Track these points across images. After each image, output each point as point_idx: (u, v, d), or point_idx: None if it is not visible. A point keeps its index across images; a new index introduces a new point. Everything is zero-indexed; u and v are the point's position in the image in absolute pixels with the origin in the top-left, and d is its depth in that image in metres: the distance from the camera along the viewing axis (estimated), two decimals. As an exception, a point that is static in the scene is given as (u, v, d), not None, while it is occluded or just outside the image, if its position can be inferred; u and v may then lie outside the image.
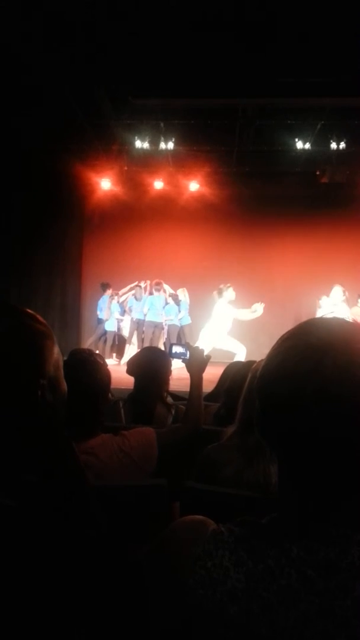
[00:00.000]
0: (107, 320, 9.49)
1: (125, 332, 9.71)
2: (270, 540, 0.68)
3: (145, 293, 9.66)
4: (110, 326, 9.54)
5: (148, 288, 9.76)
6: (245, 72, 5.93)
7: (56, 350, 0.84)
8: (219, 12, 5.05)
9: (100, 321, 9.53)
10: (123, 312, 9.80)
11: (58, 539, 0.84)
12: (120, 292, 9.82)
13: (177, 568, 0.71)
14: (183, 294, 9.79)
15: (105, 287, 9.68)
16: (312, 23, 5.05)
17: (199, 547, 0.70)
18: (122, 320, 9.81)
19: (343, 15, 4.95)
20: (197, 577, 0.68)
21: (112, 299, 9.57)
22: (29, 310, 0.86)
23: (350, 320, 0.71)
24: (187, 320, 9.60)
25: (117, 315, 9.67)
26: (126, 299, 9.86)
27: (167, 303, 9.56)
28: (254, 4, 4.92)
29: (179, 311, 9.58)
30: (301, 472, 0.68)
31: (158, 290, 9.43)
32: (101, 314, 9.60)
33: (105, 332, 9.52)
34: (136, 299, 9.54)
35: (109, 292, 9.57)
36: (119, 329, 9.78)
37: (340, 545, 0.65)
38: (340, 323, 0.70)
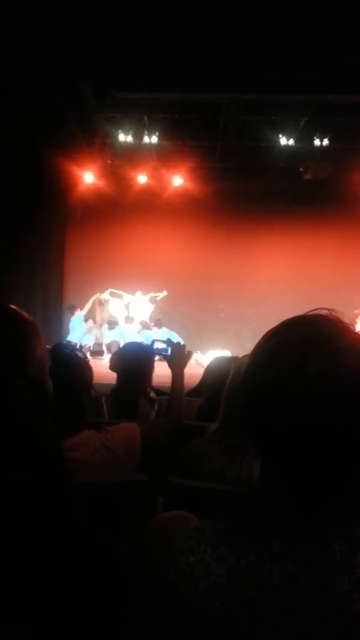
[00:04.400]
0: (84, 336, 9.56)
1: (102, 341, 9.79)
2: (253, 535, 0.68)
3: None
4: (88, 340, 9.59)
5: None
6: (230, 68, 5.92)
7: (40, 349, 0.83)
8: (205, 7, 5.03)
9: (69, 342, 9.51)
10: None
11: (41, 536, 0.83)
12: (85, 311, 9.78)
13: (159, 563, 0.71)
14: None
15: (72, 309, 9.69)
16: (297, 21, 5.06)
17: (182, 542, 0.71)
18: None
19: (328, 14, 4.97)
20: (179, 573, 0.68)
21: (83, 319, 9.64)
22: (13, 307, 0.84)
23: (330, 314, 0.71)
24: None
25: (90, 325, 9.72)
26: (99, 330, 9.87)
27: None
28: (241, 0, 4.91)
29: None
30: (282, 468, 0.69)
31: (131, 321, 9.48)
32: (71, 336, 9.57)
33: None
34: (109, 328, 9.60)
35: (77, 312, 9.58)
36: (96, 339, 9.85)
37: (322, 541, 0.65)
38: (324, 321, 0.70)
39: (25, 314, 0.84)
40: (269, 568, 0.65)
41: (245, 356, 1.77)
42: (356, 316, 9.55)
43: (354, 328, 0.70)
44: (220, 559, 0.67)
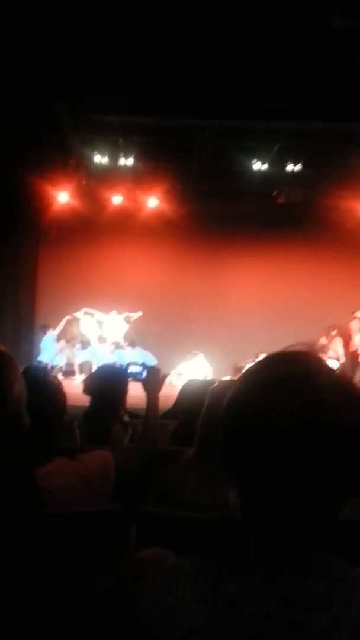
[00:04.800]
0: (56, 356, 9.47)
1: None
2: (231, 573, 0.68)
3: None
4: (59, 360, 9.49)
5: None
6: (204, 94, 6.04)
7: (18, 384, 0.81)
8: (182, 34, 5.15)
9: (40, 363, 9.39)
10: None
11: (15, 567, 0.81)
12: (57, 330, 9.70)
13: (137, 604, 0.70)
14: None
15: (45, 328, 9.59)
16: (270, 51, 5.22)
17: (159, 581, 0.69)
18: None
19: (300, 45, 5.14)
20: (157, 613, 0.67)
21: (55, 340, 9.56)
22: None
23: (309, 350, 0.73)
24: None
25: (62, 345, 9.63)
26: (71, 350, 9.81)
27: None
28: (215, 27, 5.04)
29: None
30: (260, 501, 0.69)
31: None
32: (42, 356, 9.46)
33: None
34: (82, 348, 9.55)
35: (49, 332, 9.49)
36: (68, 359, 9.75)
37: (300, 576, 0.65)
38: (304, 358, 0.71)
39: (0, 347, 0.82)
40: (248, 607, 0.64)
41: (222, 382, 1.77)
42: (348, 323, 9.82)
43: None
44: (199, 598, 0.66)
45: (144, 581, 0.71)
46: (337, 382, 0.69)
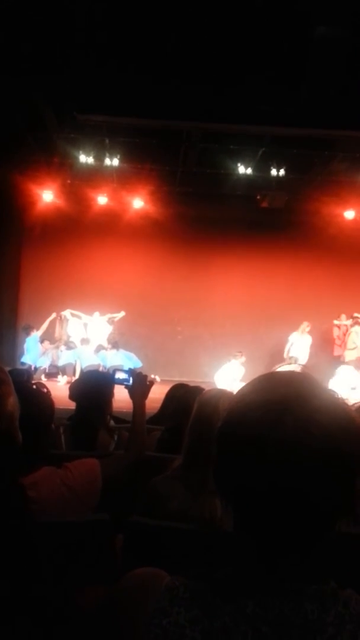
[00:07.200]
0: (39, 358, 9.37)
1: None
2: (226, 595, 0.68)
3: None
4: (43, 361, 9.40)
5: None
6: (190, 97, 6.05)
7: (11, 400, 0.80)
8: (168, 35, 5.15)
9: (23, 364, 9.26)
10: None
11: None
12: (40, 331, 9.62)
13: (130, 626, 0.69)
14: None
15: (28, 329, 9.49)
16: (255, 56, 5.25)
17: (154, 603, 0.69)
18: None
19: (284, 50, 5.18)
20: (152, 636, 0.67)
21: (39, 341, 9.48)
22: None
23: (303, 372, 0.73)
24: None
25: (46, 346, 9.54)
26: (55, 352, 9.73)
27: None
28: (200, 30, 5.05)
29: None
30: (255, 524, 0.69)
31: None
32: (26, 357, 9.37)
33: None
34: (67, 348, 9.47)
35: (33, 332, 9.40)
36: (52, 361, 9.67)
37: (294, 599, 0.66)
38: (298, 378, 0.72)
39: None
40: (243, 630, 0.65)
41: (210, 391, 1.78)
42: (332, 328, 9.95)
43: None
44: (194, 621, 0.66)
45: (137, 602, 0.71)
46: (330, 404, 0.69)
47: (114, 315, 10.07)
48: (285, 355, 9.50)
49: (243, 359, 8.75)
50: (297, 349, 9.56)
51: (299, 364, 8.48)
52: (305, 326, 9.69)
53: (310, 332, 9.79)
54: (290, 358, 9.28)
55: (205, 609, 0.67)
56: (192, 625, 0.66)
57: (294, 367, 0.78)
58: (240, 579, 0.69)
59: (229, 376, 8.41)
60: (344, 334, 9.93)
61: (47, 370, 9.49)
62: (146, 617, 0.68)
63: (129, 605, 0.72)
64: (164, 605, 0.68)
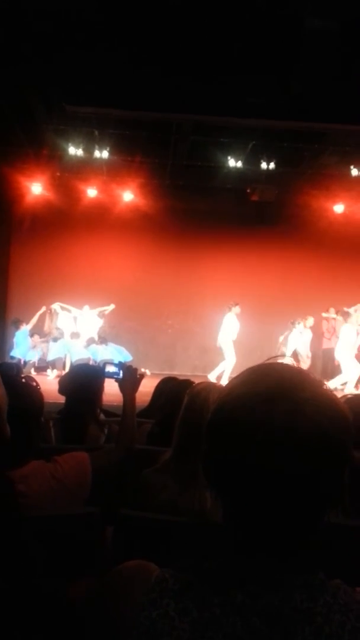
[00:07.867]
0: (29, 352, 9.33)
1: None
2: (215, 586, 0.68)
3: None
4: (32, 355, 9.35)
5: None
6: (180, 88, 6.01)
7: None
8: (158, 27, 5.11)
9: (12, 358, 9.20)
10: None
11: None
12: (30, 325, 9.58)
13: (120, 618, 0.69)
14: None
15: (17, 323, 9.43)
16: (245, 48, 5.23)
17: (143, 595, 0.69)
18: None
19: (274, 42, 5.16)
20: (142, 628, 0.67)
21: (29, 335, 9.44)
22: None
23: (295, 365, 0.73)
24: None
25: (35, 340, 9.50)
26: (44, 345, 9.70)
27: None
28: (190, 23, 5.02)
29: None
30: (245, 515, 0.69)
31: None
32: (15, 351, 9.32)
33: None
34: (53, 340, 9.43)
35: (23, 327, 9.34)
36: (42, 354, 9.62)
37: (283, 590, 0.66)
38: (287, 370, 0.72)
39: None
40: (233, 621, 0.65)
41: (201, 384, 1.78)
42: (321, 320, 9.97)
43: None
44: (184, 613, 0.66)
45: (127, 594, 0.71)
46: (320, 396, 0.69)
47: (104, 308, 10.04)
48: (277, 346, 9.53)
49: (238, 309, 8.80)
50: (299, 344, 9.59)
51: (289, 357, 8.55)
52: (310, 321, 9.70)
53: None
54: (279, 350, 9.31)
55: (195, 600, 0.67)
56: (182, 617, 0.66)
57: (285, 360, 0.77)
58: (230, 570, 0.69)
59: (228, 331, 8.52)
60: (333, 328, 9.98)
61: (36, 364, 9.45)
62: (136, 609, 0.68)
63: (118, 598, 0.72)
64: (153, 597, 0.69)
